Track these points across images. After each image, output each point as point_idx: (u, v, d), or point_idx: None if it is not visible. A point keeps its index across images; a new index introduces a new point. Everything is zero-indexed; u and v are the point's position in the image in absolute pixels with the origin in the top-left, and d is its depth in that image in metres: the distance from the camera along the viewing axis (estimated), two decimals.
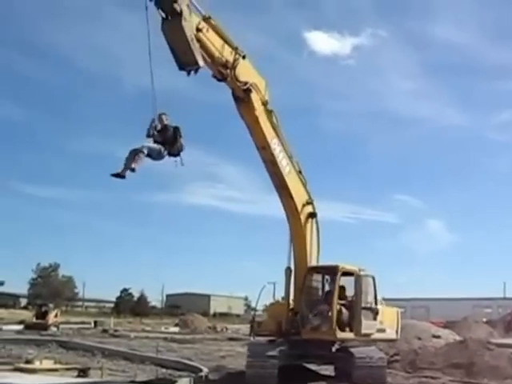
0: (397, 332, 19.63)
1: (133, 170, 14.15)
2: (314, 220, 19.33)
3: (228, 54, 15.91)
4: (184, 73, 14.34)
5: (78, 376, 18.64)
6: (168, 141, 14.86)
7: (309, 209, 19.23)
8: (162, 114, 14.86)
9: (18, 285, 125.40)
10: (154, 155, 14.73)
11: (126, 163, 14.17)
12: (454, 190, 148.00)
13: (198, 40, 14.53)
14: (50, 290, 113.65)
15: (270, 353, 17.84)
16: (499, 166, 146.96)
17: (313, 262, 19.15)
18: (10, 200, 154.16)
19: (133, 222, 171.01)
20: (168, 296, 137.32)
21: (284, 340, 18.81)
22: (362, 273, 18.74)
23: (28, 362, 21.41)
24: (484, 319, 78.02)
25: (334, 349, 19.38)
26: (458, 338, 29.41)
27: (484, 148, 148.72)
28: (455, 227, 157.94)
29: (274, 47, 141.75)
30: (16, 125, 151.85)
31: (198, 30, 14.58)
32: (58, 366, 21.15)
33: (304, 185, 19.25)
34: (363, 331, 18.14)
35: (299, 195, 18.96)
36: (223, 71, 15.97)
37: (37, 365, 20.59)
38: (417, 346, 25.60)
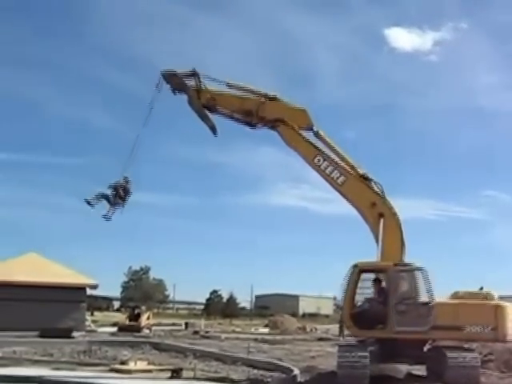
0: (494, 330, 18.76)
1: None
2: (385, 219, 19.29)
3: (250, 105, 19.46)
4: None
5: (172, 377, 18.99)
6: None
7: (376, 210, 19.30)
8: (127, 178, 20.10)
9: (111, 288, 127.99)
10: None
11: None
12: None
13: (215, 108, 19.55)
14: (141, 292, 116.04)
15: (361, 353, 17.79)
16: None
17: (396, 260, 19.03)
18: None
19: (221, 223, 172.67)
20: (257, 297, 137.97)
21: (374, 340, 18.77)
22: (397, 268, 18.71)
23: (123, 363, 21.95)
24: None
25: (425, 348, 19.19)
26: None
27: None
28: None
29: (354, 45, 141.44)
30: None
31: (212, 99, 17.10)
32: (151, 366, 21.59)
33: (369, 187, 19.62)
34: (397, 328, 17.97)
35: (362, 199, 19.50)
36: (248, 119, 19.64)
37: (131, 366, 21.10)
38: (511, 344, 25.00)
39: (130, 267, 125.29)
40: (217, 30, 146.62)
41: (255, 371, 21.63)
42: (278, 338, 45.17)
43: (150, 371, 20.67)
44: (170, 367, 20.68)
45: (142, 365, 21.54)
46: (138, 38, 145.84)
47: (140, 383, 18.73)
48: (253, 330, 62.22)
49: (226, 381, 19.06)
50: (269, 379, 19.68)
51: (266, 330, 61.18)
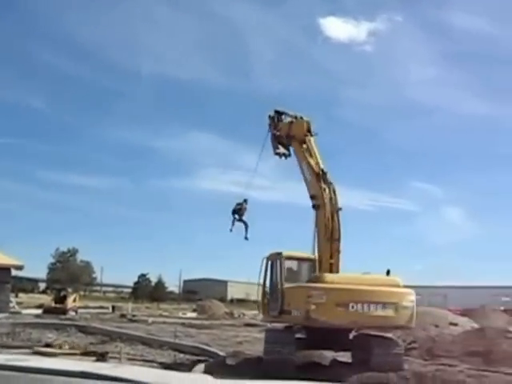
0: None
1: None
2: (318, 211, 19.73)
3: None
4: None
5: (97, 360, 18.80)
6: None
7: (313, 202, 19.91)
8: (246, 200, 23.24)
9: (37, 269, 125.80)
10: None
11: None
12: (473, 178, 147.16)
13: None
14: (68, 274, 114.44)
15: (287, 340, 17.93)
16: None
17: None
18: (30, 187, 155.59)
19: (150, 207, 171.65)
20: (185, 281, 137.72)
21: (301, 327, 18.95)
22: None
23: (47, 345, 21.65)
24: (502, 307, 77.95)
25: (351, 335, 19.45)
26: (475, 325, 29.35)
27: (504, 136, 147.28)
28: (474, 215, 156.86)
29: (289, 33, 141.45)
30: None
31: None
32: (76, 350, 21.35)
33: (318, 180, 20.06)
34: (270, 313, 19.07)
35: (312, 190, 20.17)
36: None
37: (56, 348, 20.81)
38: (434, 333, 25.56)
39: (57, 249, 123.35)
40: (152, 13, 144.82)
41: (181, 355, 21.61)
42: (206, 322, 45.23)
43: (75, 354, 20.43)
44: (96, 350, 20.51)
45: (66, 348, 21.29)
46: (71, 20, 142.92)
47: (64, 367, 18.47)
48: (180, 314, 62.16)
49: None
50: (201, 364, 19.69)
51: (194, 315, 61.23)
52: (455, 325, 28.67)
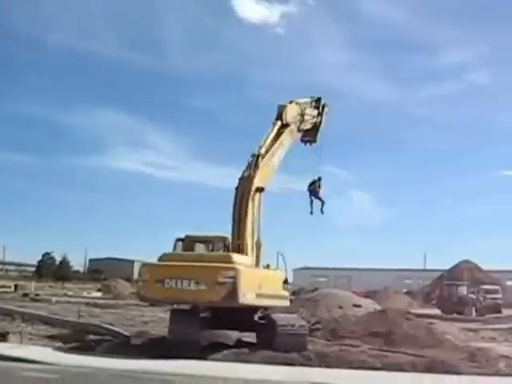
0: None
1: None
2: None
3: None
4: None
5: None
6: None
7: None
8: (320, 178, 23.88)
9: None
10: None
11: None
12: (380, 163, 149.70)
13: None
14: None
15: (192, 319, 17.88)
16: (423, 140, 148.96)
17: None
18: None
19: (56, 185, 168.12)
20: (91, 260, 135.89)
21: (206, 307, 18.93)
22: None
23: None
24: (404, 290, 80.00)
25: (256, 316, 19.55)
26: (378, 307, 29.92)
27: (409, 122, 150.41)
28: (380, 199, 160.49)
29: (201, 13, 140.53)
30: None
31: None
32: None
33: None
34: None
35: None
36: None
37: None
38: (338, 314, 25.92)
39: None
40: None
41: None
42: (111, 302, 44.85)
43: None
44: None
45: None
46: None
47: None
48: (85, 293, 61.47)
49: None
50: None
51: (99, 295, 60.58)
52: (359, 306, 29.11)
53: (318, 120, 24.00)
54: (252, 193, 19.73)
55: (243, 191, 19.70)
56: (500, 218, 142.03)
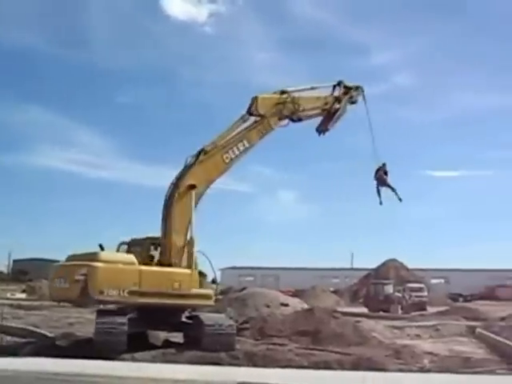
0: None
1: None
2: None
3: None
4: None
5: None
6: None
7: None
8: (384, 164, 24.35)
9: None
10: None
11: None
12: (305, 163, 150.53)
13: None
14: None
15: (119, 320, 17.69)
16: (348, 139, 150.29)
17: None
18: None
19: None
20: (15, 261, 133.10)
21: (134, 307, 18.78)
22: None
23: None
24: (331, 289, 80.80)
25: (183, 316, 19.48)
26: (305, 306, 30.15)
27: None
28: (306, 198, 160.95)
29: (129, 8, 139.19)
30: None
31: None
32: None
33: None
34: None
35: None
36: None
37: None
38: (265, 313, 26.01)
39: None
40: None
41: (9, 338, 20.87)
42: (36, 303, 44.01)
43: None
44: None
45: None
46: None
47: None
48: (9, 295, 60.17)
49: None
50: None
51: (23, 296, 59.43)
52: (286, 305, 29.31)
53: (333, 107, 23.72)
54: (181, 189, 19.68)
55: (173, 188, 19.65)
56: (425, 217, 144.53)
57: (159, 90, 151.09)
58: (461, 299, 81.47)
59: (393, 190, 24.46)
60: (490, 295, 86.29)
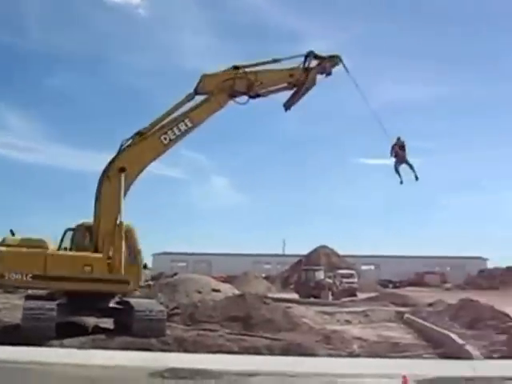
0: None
1: None
2: None
3: None
4: None
5: None
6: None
7: None
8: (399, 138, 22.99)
9: None
10: None
11: None
12: (238, 150, 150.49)
13: None
14: None
15: (48, 305, 17.44)
16: (284, 128, 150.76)
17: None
18: None
19: None
20: None
21: (63, 292, 18.57)
22: None
23: None
24: (263, 275, 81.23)
25: (113, 302, 19.33)
26: (237, 292, 30.22)
27: (271, 110, 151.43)
28: (239, 186, 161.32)
29: None
30: None
31: None
32: None
33: None
34: None
35: None
36: None
37: None
38: (196, 299, 26.00)
39: None
40: None
41: None
42: None
43: None
44: None
45: None
46: None
47: None
48: None
49: None
50: None
51: None
52: (217, 291, 29.35)
53: (302, 81, 21.77)
54: (111, 173, 19.44)
55: (103, 172, 19.44)
56: (355, 205, 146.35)
57: (90, 73, 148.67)
58: (390, 285, 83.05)
59: (411, 167, 23.00)
60: (419, 282, 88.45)
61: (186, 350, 16.89)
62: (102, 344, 17.04)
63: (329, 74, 22.38)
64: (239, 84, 21.10)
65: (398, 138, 22.97)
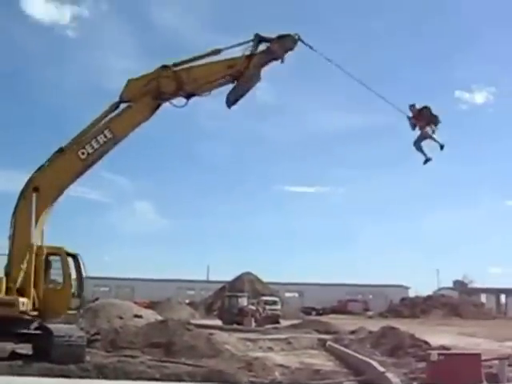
0: None
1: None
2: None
3: None
4: None
5: None
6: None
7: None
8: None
9: None
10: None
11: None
12: (165, 174, 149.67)
13: None
14: None
15: None
16: (212, 153, 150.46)
17: None
18: None
19: None
20: None
21: None
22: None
23: None
24: (187, 301, 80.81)
25: (32, 326, 18.86)
26: (160, 318, 29.99)
27: (197, 133, 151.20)
28: (163, 211, 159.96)
29: None
30: None
31: None
32: None
33: None
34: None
35: None
36: None
37: None
38: (118, 325, 25.70)
39: None
40: None
41: None
42: None
43: None
44: None
45: None
46: None
47: None
48: None
49: None
50: None
51: None
52: (140, 317, 29.09)
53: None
54: (26, 193, 18.74)
55: (20, 192, 18.88)
56: (280, 232, 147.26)
57: (13, 91, 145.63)
58: (314, 313, 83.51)
59: (434, 139, 19.29)
60: (342, 309, 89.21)
61: (106, 377, 16.60)
62: (19, 370, 16.60)
63: (282, 59, 19.03)
64: (166, 84, 18.88)
65: (412, 106, 19.44)
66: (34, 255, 18.40)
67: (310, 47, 18.74)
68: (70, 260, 19.38)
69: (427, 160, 19.41)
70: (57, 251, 19.09)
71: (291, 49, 18.89)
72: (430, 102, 19.67)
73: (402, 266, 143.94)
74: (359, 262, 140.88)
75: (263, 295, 69.80)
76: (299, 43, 19.01)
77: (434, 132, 19.37)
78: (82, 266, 19.60)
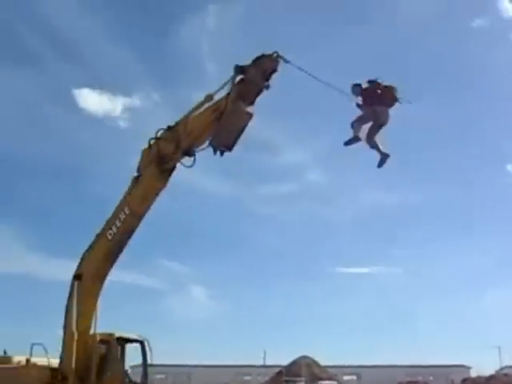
0: None
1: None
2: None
3: None
4: None
5: None
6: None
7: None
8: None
9: None
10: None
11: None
12: (219, 259, 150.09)
13: None
14: None
15: None
16: (264, 238, 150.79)
17: None
18: None
19: None
20: None
21: None
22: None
23: None
24: None
25: None
26: None
27: (248, 219, 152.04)
28: (219, 295, 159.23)
29: (40, 99, 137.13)
30: None
31: None
32: None
33: None
34: None
35: None
36: None
37: None
38: None
39: None
40: None
41: None
42: None
43: None
44: None
45: None
46: None
47: None
48: None
49: None
50: None
51: None
52: None
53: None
54: (72, 280, 18.05)
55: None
56: (336, 314, 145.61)
57: (70, 185, 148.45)
58: None
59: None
60: None
61: None
62: None
63: (266, 86, 15.85)
64: (164, 147, 17.03)
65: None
66: (75, 342, 17.52)
67: (285, 61, 15.47)
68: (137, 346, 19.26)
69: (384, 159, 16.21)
70: (107, 338, 18.29)
71: (274, 70, 15.66)
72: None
73: (462, 345, 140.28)
74: (418, 342, 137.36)
75: (321, 379, 69.10)
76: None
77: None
78: (147, 353, 19.24)
